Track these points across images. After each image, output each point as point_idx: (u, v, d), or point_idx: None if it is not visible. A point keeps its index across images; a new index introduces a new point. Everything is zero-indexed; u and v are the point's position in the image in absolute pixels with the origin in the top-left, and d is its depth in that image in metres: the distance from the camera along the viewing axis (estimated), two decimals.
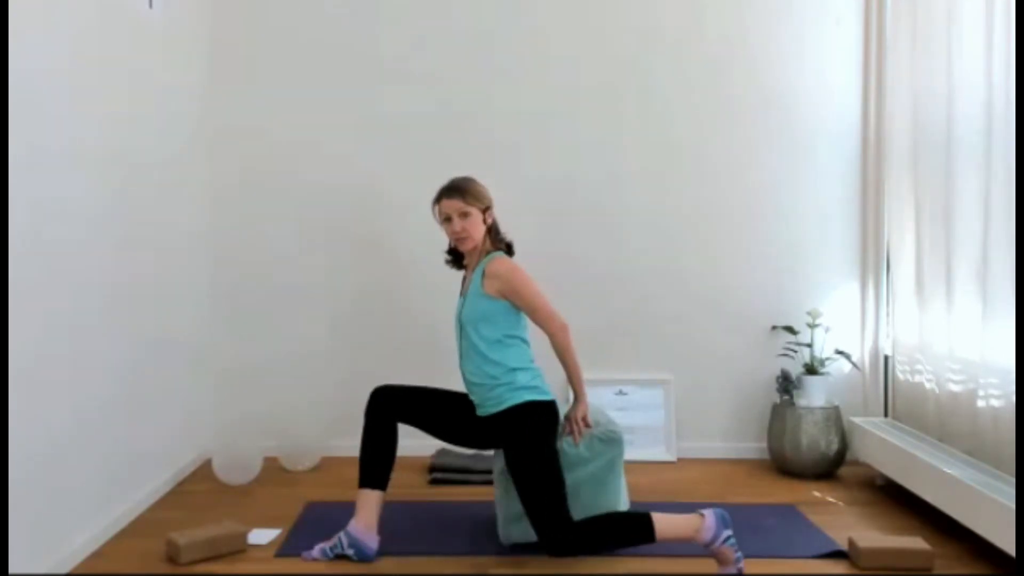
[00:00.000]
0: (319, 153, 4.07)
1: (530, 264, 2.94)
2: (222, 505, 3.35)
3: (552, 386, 2.93)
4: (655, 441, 4.07)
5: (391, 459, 2.90)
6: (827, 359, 3.92)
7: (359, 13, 4.05)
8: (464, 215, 2.89)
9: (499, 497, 2.98)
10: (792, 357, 3.96)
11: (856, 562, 2.80)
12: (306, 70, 4.06)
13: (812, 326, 3.93)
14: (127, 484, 3.17)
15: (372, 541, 2.83)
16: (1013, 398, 2.86)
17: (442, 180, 2.97)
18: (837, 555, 2.88)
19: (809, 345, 3.93)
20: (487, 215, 2.94)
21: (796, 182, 4.10)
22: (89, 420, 2.88)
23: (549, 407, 2.83)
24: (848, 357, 3.94)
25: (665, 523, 2.61)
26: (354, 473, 2.92)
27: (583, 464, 2.84)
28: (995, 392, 3.01)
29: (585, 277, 4.06)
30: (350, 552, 2.80)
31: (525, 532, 2.89)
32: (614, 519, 2.72)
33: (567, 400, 3.21)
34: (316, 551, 2.84)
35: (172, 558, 2.78)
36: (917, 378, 3.65)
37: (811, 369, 3.88)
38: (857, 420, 3.81)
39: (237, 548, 2.87)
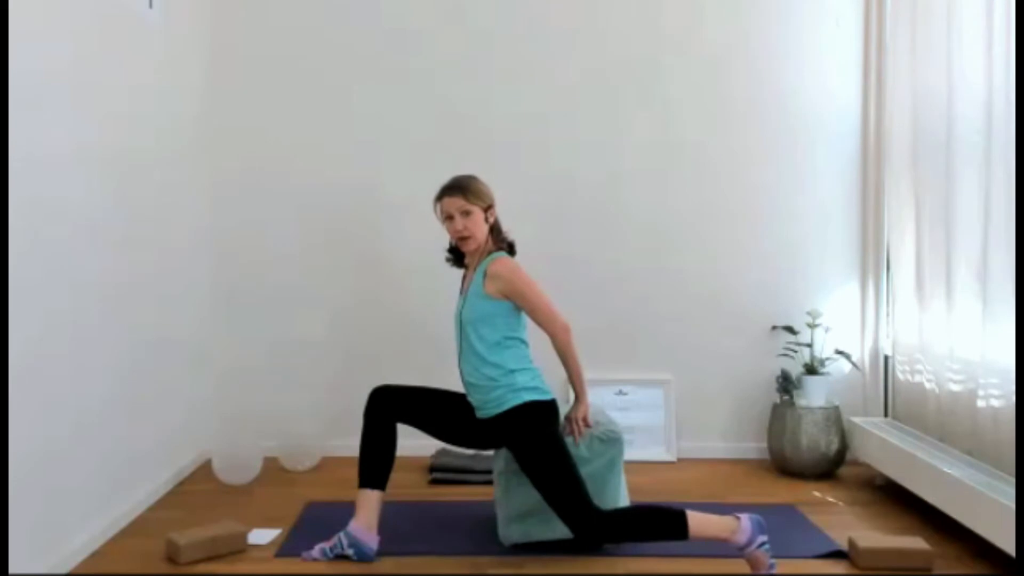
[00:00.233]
0: (319, 153, 4.07)
1: (530, 264, 2.93)
2: (222, 505, 3.35)
3: (552, 386, 2.92)
4: (655, 441, 4.07)
5: (391, 459, 2.90)
6: (827, 359, 3.92)
7: (359, 13, 4.05)
8: (466, 213, 2.88)
9: (499, 497, 2.98)
10: (792, 357, 3.96)
11: (856, 562, 2.80)
12: (306, 70, 4.06)
13: (812, 326, 3.93)
14: (127, 484, 3.17)
15: (372, 541, 2.83)
16: (1013, 398, 2.85)
17: (442, 180, 2.96)
18: (837, 555, 2.87)
19: (809, 345, 3.93)
20: (489, 214, 2.93)
21: (796, 182, 4.10)
22: (89, 420, 2.88)
23: (550, 406, 2.83)
24: (848, 357, 3.94)
25: (700, 521, 2.61)
26: (354, 473, 2.92)
27: (583, 464, 2.84)
28: (995, 392, 3.01)
29: (585, 277, 4.05)
30: (350, 552, 2.80)
31: (525, 532, 2.89)
32: (649, 511, 2.71)
33: (567, 400, 3.21)
34: (316, 551, 2.84)
35: (172, 558, 2.78)
36: (917, 378, 3.65)
37: (811, 369, 3.88)
38: (857, 420, 3.80)
39: (237, 548, 2.87)
